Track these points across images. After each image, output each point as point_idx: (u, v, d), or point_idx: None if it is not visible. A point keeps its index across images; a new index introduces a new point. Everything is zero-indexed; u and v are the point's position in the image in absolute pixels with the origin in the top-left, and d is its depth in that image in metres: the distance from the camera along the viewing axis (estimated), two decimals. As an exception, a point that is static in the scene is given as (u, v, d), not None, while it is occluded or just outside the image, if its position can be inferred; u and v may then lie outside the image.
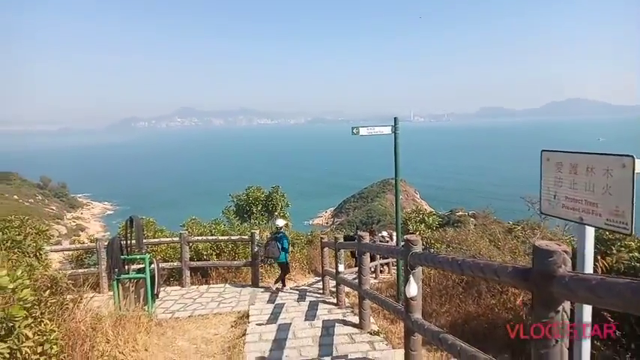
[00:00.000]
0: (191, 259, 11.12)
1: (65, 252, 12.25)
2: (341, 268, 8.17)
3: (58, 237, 72.22)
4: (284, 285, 10.60)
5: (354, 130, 7.99)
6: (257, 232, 10.88)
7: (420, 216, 18.79)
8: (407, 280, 4.10)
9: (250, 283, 10.80)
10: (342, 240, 9.07)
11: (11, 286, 3.61)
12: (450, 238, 11.60)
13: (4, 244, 6.87)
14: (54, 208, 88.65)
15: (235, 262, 11.23)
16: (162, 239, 11.51)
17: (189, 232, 12.00)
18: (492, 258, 7.38)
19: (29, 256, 7.02)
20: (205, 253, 11.55)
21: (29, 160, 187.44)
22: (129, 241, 8.34)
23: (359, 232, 6.78)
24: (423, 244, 4.36)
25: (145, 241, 10.61)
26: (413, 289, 4.05)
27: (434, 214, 20.59)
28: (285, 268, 10.56)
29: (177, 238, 10.90)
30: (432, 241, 13.18)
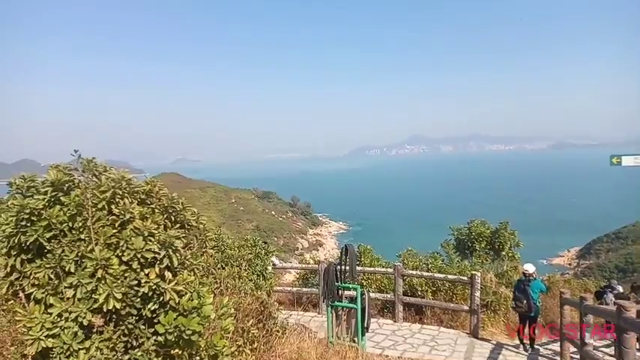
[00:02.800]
0: (405, 294, 10.58)
1: (297, 269, 13.45)
2: (589, 339, 6.24)
3: (301, 249, 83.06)
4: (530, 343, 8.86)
5: (614, 160, 6.10)
6: (478, 273, 9.56)
7: None
8: None
9: (468, 331, 9.52)
10: (591, 298, 7.02)
11: (213, 315, 3.71)
12: None
13: (240, 261, 7.75)
14: (300, 224, 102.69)
15: (452, 305, 10.12)
16: (377, 269, 11.36)
17: (404, 263, 11.52)
18: None
19: (257, 275, 7.74)
20: (420, 289, 10.83)
21: (284, 182, 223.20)
22: (344, 269, 8.39)
23: (619, 301, 4.95)
24: None
25: (359, 268, 10.66)
26: None
27: None
28: (532, 322, 8.82)
29: (391, 270, 10.56)
30: None
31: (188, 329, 3.43)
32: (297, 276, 13.40)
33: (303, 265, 13.50)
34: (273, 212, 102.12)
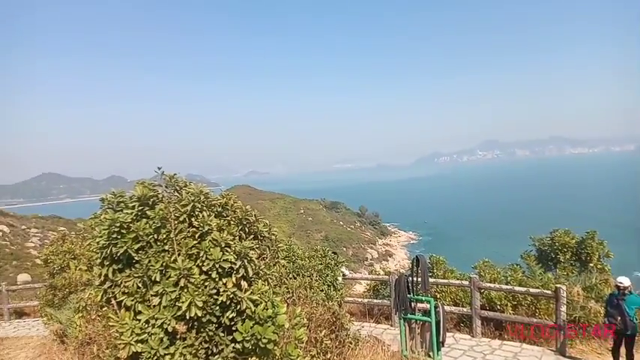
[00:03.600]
0: (482, 307, 10.06)
1: (367, 279, 13.33)
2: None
3: (371, 260, 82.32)
4: None
5: None
6: (564, 287, 8.86)
7: None
8: None
9: (554, 349, 8.83)
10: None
11: (287, 324, 3.77)
12: None
13: (311, 272, 7.84)
14: (369, 234, 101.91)
15: (535, 321, 9.45)
16: (451, 281, 10.92)
17: (480, 275, 10.97)
18: None
19: (327, 285, 7.77)
20: (499, 302, 10.23)
21: (351, 192, 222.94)
22: (415, 280, 8.18)
23: None
24: None
25: (432, 280, 10.32)
26: None
27: None
28: (629, 340, 7.95)
29: (466, 282, 10.10)
30: None
31: (264, 338, 3.53)
32: (368, 287, 13.26)
33: (374, 276, 13.34)
34: (341, 222, 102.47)
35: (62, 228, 58.92)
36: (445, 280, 11.05)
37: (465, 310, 10.21)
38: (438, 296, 10.80)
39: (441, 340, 7.68)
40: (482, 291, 10.12)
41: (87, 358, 5.94)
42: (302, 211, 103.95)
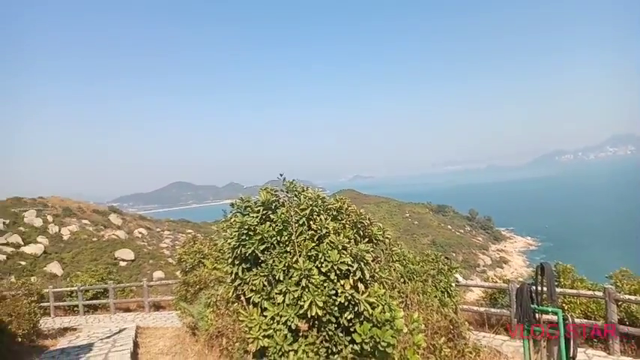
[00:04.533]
0: (621, 322, 8.91)
1: (482, 287, 12.61)
2: None
3: (483, 266, 77.54)
4: None
5: None
6: None
7: None
8: None
9: None
10: None
11: (406, 329, 3.76)
12: None
13: (424, 277, 7.67)
14: (480, 239, 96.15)
15: (692, 340, 8.11)
16: (580, 292, 9.85)
17: (617, 286, 9.72)
18: None
19: (441, 291, 7.52)
20: (643, 317, 8.97)
21: (460, 195, 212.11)
22: (539, 289, 7.55)
23: None
24: None
25: (559, 290, 9.40)
26: None
27: None
28: None
29: (600, 293, 9.03)
30: None
31: (383, 341, 3.57)
32: (485, 295, 12.51)
33: (490, 284, 12.56)
34: (449, 226, 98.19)
35: (190, 230, 65.43)
36: (574, 291, 10.00)
37: (598, 323, 9.14)
38: (566, 308, 9.82)
39: (571, 355, 6.98)
40: (620, 303, 8.97)
41: (216, 349, 6.51)
42: (407, 214, 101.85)
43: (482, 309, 11.26)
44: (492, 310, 11.10)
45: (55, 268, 44.49)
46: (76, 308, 16.40)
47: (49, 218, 54.41)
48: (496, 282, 12.67)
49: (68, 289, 17.42)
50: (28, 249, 47.05)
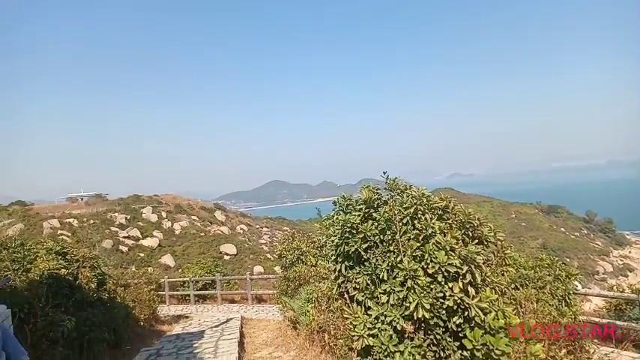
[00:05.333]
0: None
1: (605, 297, 11.29)
2: None
3: (603, 274, 69.69)
4: None
5: None
6: None
7: None
8: None
9: None
10: None
11: (522, 338, 3.47)
12: None
13: (539, 283, 7.04)
14: (599, 243, 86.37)
15: None
16: None
17: None
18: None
19: (558, 300, 6.84)
20: None
21: (575, 194, 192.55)
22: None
23: None
24: None
25: None
26: None
27: None
28: None
29: None
30: None
31: (497, 349, 3.32)
32: (608, 305, 11.17)
33: (615, 293, 11.19)
34: (562, 229, 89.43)
35: (286, 228, 68.08)
36: None
37: None
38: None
39: None
40: None
41: (317, 344, 6.62)
42: (513, 215, 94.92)
43: (604, 320, 10.08)
44: (618, 322, 9.88)
45: (168, 259, 49.14)
46: (187, 297, 17.85)
47: (163, 214, 60.19)
48: (623, 291, 11.26)
49: (181, 279, 19.07)
50: (146, 242, 52.54)
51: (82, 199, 64.58)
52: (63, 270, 8.02)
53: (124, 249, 49.34)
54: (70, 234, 45.39)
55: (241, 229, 63.94)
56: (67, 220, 52.60)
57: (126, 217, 56.56)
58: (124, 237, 52.19)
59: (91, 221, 54.00)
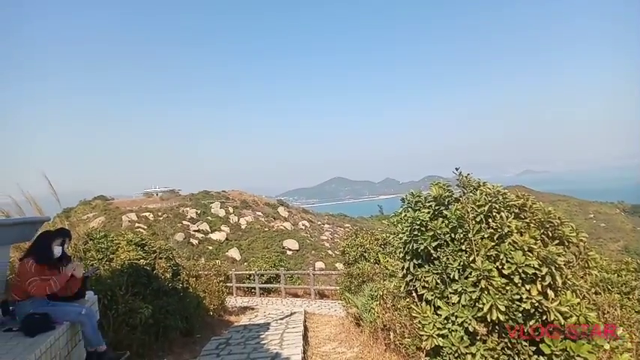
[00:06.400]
0: None
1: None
2: None
3: None
4: None
5: None
6: None
7: None
8: None
9: None
10: None
11: (607, 346, 3.23)
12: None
13: (624, 288, 6.51)
14: (692, 248, 77.98)
15: None
16: None
17: None
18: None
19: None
20: None
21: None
22: None
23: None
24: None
25: None
26: None
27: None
28: None
29: None
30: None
31: (579, 355, 3.12)
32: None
33: None
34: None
35: (347, 225, 68.18)
36: None
37: None
38: None
39: None
40: None
41: (381, 342, 6.58)
42: (591, 215, 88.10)
43: None
44: None
45: (234, 253, 51.06)
46: (253, 290, 18.49)
47: (230, 209, 62.59)
48: None
49: (247, 272, 19.79)
50: (214, 235, 54.93)
51: (157, 194, 68.82)
52: (142, 260, 8.61)
53: (195, 242, 51.95)
54: (146, 227, 48.53)
55: (303, 225, 64.92)
56: (144, 214, 56.27)
57: (196, 212, 59.52)
58: (195, 230, 54.96)
59: (165, 215, 57.38)
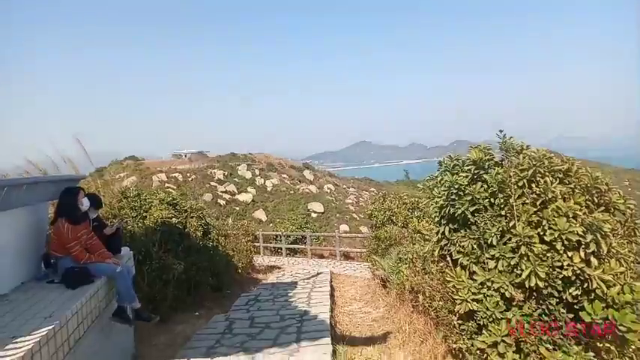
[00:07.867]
0: None
1: None
2: None
3: None
4: None
5: None
6: None
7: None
8: None
9: None
10: None
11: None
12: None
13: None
14: None
15: None
16: None
17: None
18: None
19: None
20: None
21: None
22: None
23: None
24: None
25: None
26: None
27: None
28: None
29: None
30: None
31: (622, 325, 3.04)
32: None
33: None
34: None
35: (373, 189, 68.08)
36: None
37: None
38: None
39: None
40: None
41: (407, 304, 6.62)
42: (626, 182, 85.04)
43: None
44: None
45: (260, 214, 52.00)
46: (279, 250, 18.88)
47: (256, 172, 63.30)
48: None
49: (274, 233, 20.17)
50: (241, 197, 55.92)
51: (185, 156, 70.06)
52: (174, 219, 8.83)
53: (222, 202, 53.07)
54: (175, 187, 49.72)
55: (328, 188, 65.22)
56: (173, 175, 57.56)
57: (224, 174, 60.51)
58: (222, 192, 56.04)
59: (194, 176, 58.56)
